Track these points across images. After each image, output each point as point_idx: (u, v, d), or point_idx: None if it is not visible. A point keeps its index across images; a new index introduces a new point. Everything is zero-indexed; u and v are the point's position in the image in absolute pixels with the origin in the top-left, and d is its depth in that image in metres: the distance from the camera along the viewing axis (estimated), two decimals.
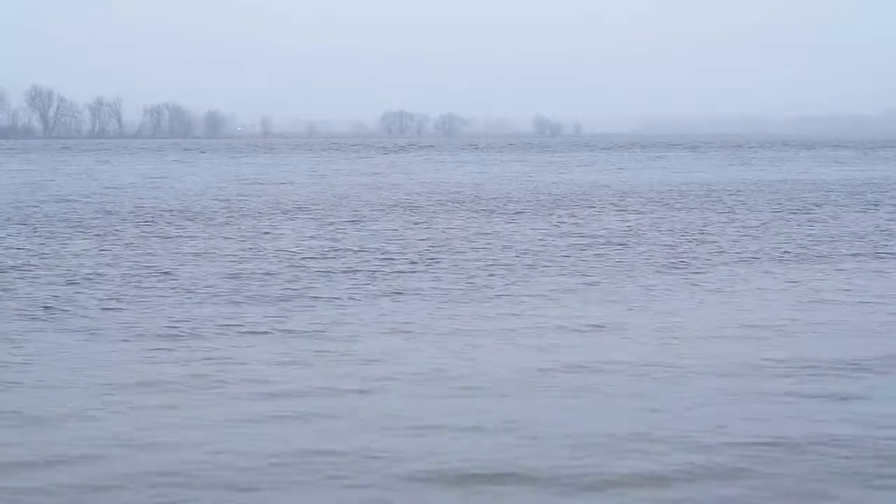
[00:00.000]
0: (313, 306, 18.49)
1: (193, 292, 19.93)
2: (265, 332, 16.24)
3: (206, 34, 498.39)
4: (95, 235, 30.56)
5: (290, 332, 16.34)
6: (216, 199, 45.55)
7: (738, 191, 51.06)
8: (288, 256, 25.42)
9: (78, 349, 15.13)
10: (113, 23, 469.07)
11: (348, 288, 20.54)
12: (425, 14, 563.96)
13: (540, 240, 29.29)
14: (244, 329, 16.47)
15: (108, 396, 12.56)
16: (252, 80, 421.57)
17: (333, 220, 35.23)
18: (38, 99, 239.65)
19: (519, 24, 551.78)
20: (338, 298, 19.34)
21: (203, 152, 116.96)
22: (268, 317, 17.45)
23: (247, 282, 21.30)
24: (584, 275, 22.44)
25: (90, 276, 22.04)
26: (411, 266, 23.72)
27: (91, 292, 19.93)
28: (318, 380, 13.35)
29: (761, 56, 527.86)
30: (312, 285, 20.88)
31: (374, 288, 20.56)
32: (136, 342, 15.58)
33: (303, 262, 24.43)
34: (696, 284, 21.23)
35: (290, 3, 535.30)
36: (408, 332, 16.40)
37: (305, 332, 16.33)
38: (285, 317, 17.46)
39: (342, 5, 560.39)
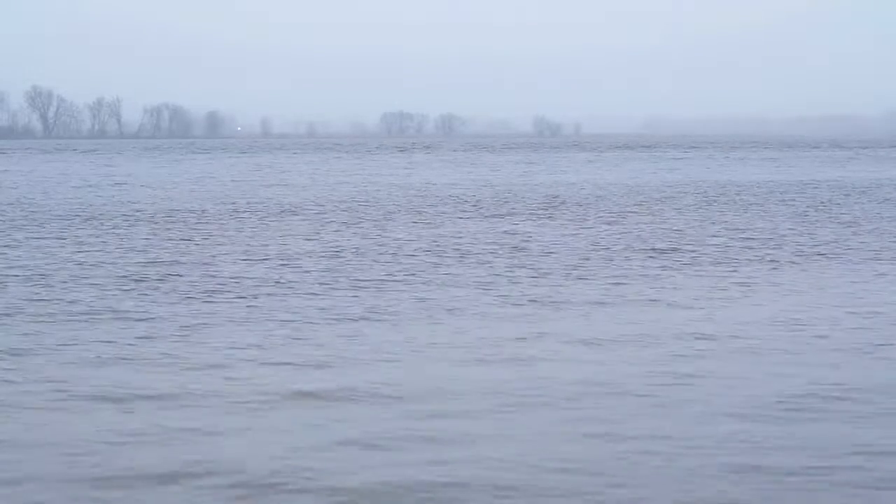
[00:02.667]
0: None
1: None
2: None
3: (206, 34, 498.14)
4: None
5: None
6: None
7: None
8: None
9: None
10: (113, 23, 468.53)
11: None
12: (425, 14, 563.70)
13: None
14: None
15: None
16: (252, 80, 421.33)
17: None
18: (38, 99, 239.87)
19: (519, 24, 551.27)
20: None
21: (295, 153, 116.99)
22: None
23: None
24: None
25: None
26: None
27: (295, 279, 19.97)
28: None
29: (761, 56, 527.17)
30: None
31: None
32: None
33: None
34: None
35: (291, 4, 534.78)
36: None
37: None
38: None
39: (342, 6, 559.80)
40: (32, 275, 22.51)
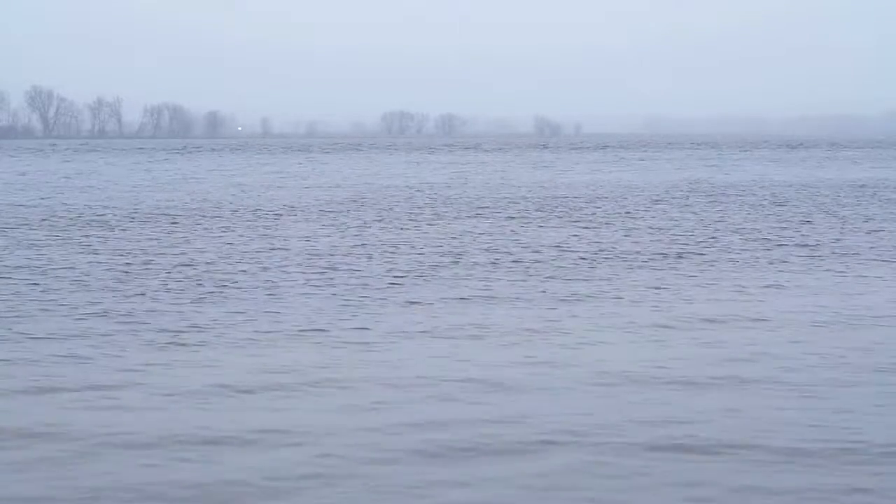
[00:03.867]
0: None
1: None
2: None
3: (207, 34, 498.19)
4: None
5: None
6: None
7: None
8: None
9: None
10: (113, 23, 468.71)
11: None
12: (425, 14, 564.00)
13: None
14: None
15: None
16: (252, 80, 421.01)
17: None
18: (38, 99, 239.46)
19: (519, 24, 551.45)
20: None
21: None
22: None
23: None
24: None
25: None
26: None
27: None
28: None
29: (761, 56, 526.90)
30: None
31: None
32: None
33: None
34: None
35: (291, 4, 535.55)
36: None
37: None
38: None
39: (341, 6, 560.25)
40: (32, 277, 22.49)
